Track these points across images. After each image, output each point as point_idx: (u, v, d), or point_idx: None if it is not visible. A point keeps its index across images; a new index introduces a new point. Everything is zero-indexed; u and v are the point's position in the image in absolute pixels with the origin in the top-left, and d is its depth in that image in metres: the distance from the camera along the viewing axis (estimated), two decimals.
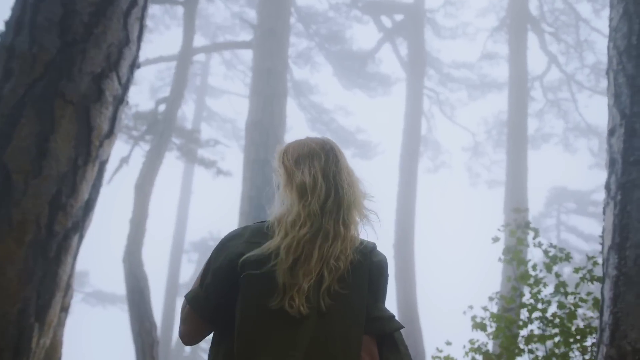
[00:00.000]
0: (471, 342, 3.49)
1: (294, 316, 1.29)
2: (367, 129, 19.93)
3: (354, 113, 20.19)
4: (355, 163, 1.59)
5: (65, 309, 3.16)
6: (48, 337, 2.88)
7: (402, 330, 1.48)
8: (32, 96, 2.80)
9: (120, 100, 3.25)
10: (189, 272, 20.80)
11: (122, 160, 8.88)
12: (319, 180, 1.42)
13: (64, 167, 2.84)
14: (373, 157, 19.54)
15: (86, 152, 2.96)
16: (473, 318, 3.77)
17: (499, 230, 3.93)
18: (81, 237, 3.04)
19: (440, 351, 3.62)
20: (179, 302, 19.66)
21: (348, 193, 1.43)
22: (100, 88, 3.02)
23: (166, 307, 17.81)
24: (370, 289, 1.41)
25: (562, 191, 20.80)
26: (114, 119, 3.17)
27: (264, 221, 1.47)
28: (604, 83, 18.74)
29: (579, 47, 17.64)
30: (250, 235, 1.42)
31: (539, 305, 3.92)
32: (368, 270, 1.41)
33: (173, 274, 18.67)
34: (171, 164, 17.52)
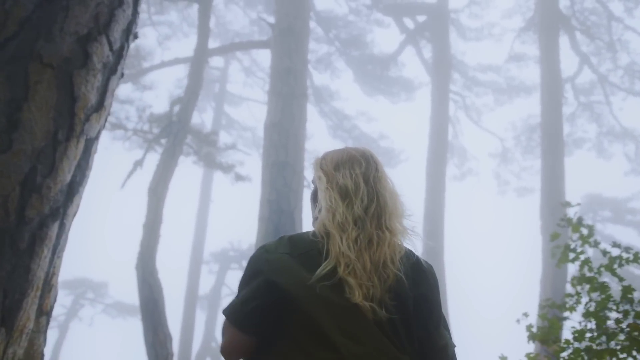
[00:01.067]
0: (528, 356, 2.92)
1: (371, 318, 1.24)
2: (389, 136, 19.39)
3: (376, 119, 19.75)
4: None
5: (46, 313, 2.68)
6: (20, 346, 2.40)
7: None
8: (2, 57, 2.36)
9: (113, 70, 2.79)
10: (209, 284, 20.43)
11: (136, 163, 8.52)
12: (361, 184, 1.39)
13: (40, 142, 2.38)
14: (397, 165, 18.99)
15: (69, 126, 2.49)
16: (529, 328, 3.20)
17: (558, 225, 3.37)
18: (63, 226, 2.57)
19: None
20: (199, 314, 19.27)
21: (390, 200, 1.40)
22: (86, 51, 2.56)
23: (185, 320, 17.38)
24: (431, 317, 1.36)
25: (597, 199, 19.83)
26: (104, 91, 2.71)
27: (306, 232, 1.43)
28: (639, 85, 17.85)
29: (612, 47, 16.84)
30: (292, 244, 1.36)
31: (603, 314, 3.34)
32: (424, 295, 1.35)
33: (192, 284, 18.27)
34: (189, 172, 17.30)
